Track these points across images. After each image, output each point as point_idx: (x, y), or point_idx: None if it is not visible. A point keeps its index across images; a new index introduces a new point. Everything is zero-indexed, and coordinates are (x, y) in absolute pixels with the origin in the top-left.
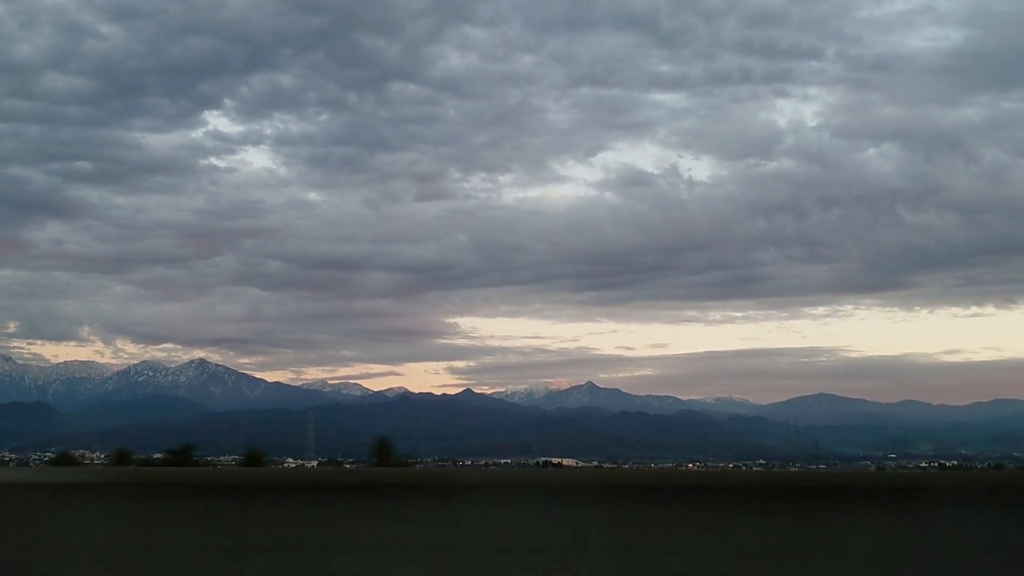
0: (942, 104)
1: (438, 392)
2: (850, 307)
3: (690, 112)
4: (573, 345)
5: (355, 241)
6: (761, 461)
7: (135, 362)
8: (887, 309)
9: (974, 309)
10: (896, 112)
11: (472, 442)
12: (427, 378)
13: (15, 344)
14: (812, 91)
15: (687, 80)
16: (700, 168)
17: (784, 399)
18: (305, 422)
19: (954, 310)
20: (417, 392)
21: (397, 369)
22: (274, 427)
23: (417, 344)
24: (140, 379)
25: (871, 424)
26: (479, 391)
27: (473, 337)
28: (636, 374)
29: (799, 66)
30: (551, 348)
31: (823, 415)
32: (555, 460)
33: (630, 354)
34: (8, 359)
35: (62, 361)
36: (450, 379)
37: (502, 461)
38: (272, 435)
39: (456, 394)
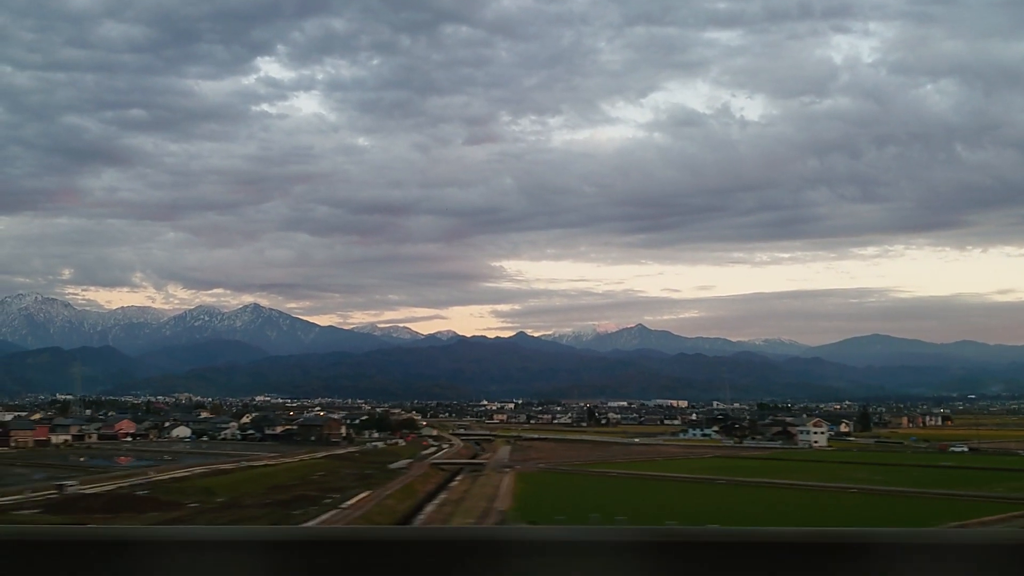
0: (1005, 37)
1: (491, 335)
2: (901, 247)
3: (745, 50)
4: (619, 288)
5: (403, 186)
6: (841, 405)
7: (189, 307)
8: (939, 248)
9: None
10: (956, 46)
11: (539, 384)
12: (472, 321)
13: (70, 290)
14: (872, 26)
15: (744, 16)
16: (752, 107)
17: (836, 340)
18: (370, 365)
19: (1008, 249)
20: (470, 335)
21: (443, 313)
22: (342, 370)
23: (463, 288)
24: (197, 323)
25: (930, 365)
26: (528, 334)
27: (519, 280)
28: (681, 316)
29: (860, 0)
30: (597, 291)
31: (879, 356)
32: (671, 402)
33: (676, 296)
34: (67, 305)
35: (118, 306)
36: (495, 322)
37: (582, 403)
38: (343, 377)
39: (510, 337)
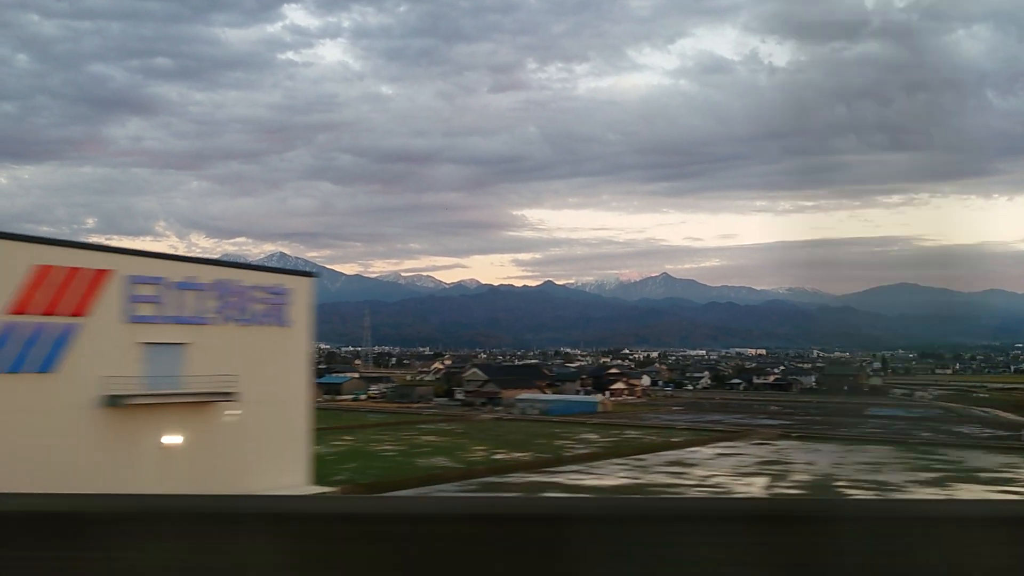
0: None
1: (516, 284)
2: (926, 195)
3: None
4: (640, 236)
5: (427, 134)
6: (895, 354)
7: (213, 255)
8: (964, 196)
9: None
10: None
11: (575, 333)
12: (493, 270)
13: (94, 239)
14: None
15: None
16: (781, 53)
17: (862, 290)
18: (405, 314)
19: None
20: (497, 284)
21: (463, 261)
22: (380, 319)
23: (484, 236)
24: None
25: (962, 314)
26: (547, 282)
27: (540, 229)
28: (703, 265)
29: None
30: (618, 240)
31: (909, 305)
32: (750, 350)
33: (698, 245)
34: None
35: None
36: (516, 271)
37: (633, 353)
38: (384, 326)
39: (537, 286)
